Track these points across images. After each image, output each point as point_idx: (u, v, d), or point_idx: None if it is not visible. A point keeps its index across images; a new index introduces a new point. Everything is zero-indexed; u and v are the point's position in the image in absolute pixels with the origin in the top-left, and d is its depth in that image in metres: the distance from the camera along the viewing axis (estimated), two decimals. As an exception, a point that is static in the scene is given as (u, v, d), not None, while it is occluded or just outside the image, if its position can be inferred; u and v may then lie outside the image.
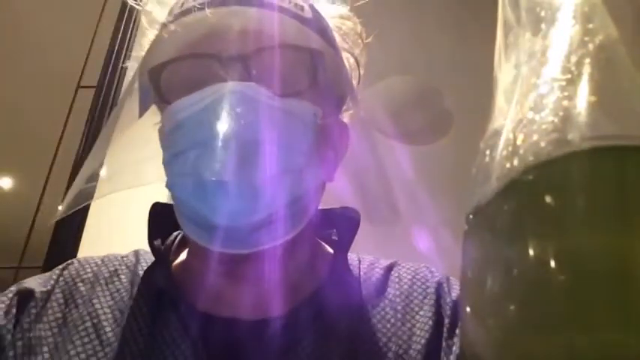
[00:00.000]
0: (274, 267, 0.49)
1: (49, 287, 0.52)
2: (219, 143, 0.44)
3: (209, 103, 0.46)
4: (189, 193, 0.47)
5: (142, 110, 0.54)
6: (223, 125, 0.44)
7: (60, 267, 0.56)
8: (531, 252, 0.16)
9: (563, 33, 0.19)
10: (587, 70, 0.17)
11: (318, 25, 0.52)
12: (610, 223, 0.15)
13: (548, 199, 0.16)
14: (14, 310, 0.49)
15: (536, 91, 0.18)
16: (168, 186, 0.49)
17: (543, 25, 0.20)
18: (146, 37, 0.55)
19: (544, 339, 0.15)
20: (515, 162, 0.17)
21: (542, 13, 0.21)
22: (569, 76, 0.17)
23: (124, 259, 0.57)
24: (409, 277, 0.56)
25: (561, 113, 0.17)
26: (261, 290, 0.51)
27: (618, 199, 0.15)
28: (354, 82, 0.58)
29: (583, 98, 0.17)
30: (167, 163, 0.49)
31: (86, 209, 1.44)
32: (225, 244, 0.46)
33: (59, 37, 2.28)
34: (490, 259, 0.18)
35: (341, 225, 0.59)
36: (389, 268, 0.58)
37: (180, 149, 0.47)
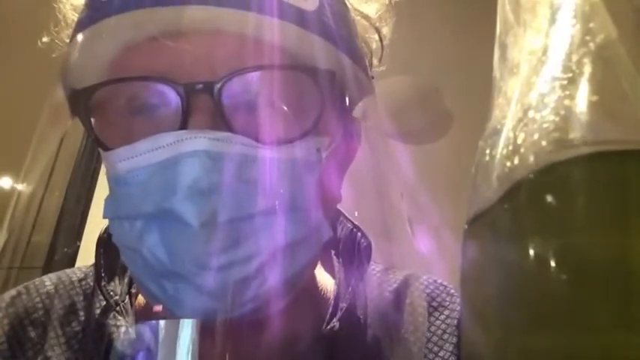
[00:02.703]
0: (266, 324, 0.38)
1: None
2: (177, 223, 0.31)
3: (161, 163, 0.32)
4: (143, 275, 0.35)
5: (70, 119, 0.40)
6: (180, 206, 0.31)
7: (4, 304, 0.45)
8: (532, 251, 0.16)
9: (564, 32, 0.19)
10: (588, 69, 0.17)
11: (325, 18, 0.35)
12: (612, 224, 0.15)
13: (549, 199, 0.16)
14: None
15: (537, 90, 0.18)
16: (117, 244, 0.37)
17: (543, 24, 0.20)
18: (66, 5, 0.40)
19: (545, 339, 0.15)
20: (516, 161, 0.17)
21: (543, 12, 0.21)
22: (570, 74, 0.17)
23: (82, 283, 0.46)
24: (424, 304, 0.46)
25: (562, 112, 0.17)
26: (252, 347, 0.40)
27: (620, 201, 0.15)
28: (373, 47, 0.44)
29: (584, 97, 0.17)
30: (110, 221, 0.37)
31: (86, 209, 1.44)
32: (200, 319, 0.34)
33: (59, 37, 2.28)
34: (491, 258, 0.18)
35: (348, 250, 0.47)
36: (400, 292, 0.47)
37: (124, 214, 0.35)
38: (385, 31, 0.45)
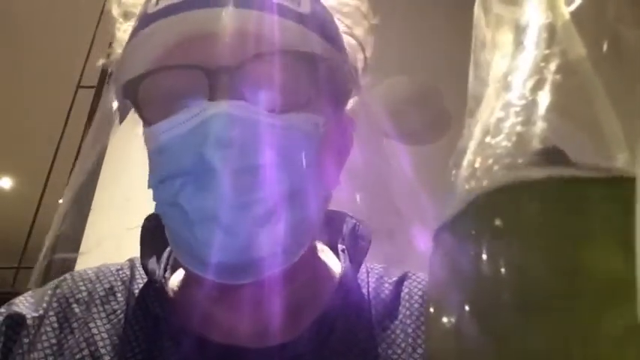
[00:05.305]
0: (274, 291, 0.45)
1: (41, 312, 0.49)
2: (207, 174, 0.40)
3: (194, 127, 0.41)
4: (179, 225, 0.43)
5: (123, 116, 0.48)
6: (210, 153, 0.40)
7: (52, 285, 0.53)
8: (484, 267, 0.17)
9: (523, 58, 0.20)
10: (540, 96, 0.18)
11: (318, 20, 0.45)
12: (554, 247, 0.16)
13: (497, 222, 0.16)
14: (3, 339, 0.46)
15: (496, 115, 0.19)
16: (157, 212, 0.46)
17: (508, 48, 0.21)
18: (120, 31, 0.50)
19: (493, 345, 0.16)
20: (473, 183, 0.18)
21: (510, 35, 0.21)
22: (524, 102, 0.18)
23: (119, 272, 0.54)
24: (420, 293, 0.52)
25: (514, 139, 0.17)
26: (262, 316, 0.47)
27: (561, 224, 0.16)
28: (360, 66, 0.52)
29: (535, 125, 0.17)
30: (153, 188, 0.45)
31: (87, 209, 1.45)
32: (220, 276, 0.42)
33: (59, 37, 2.29)
34: (445, 271, 0.19)
35: (351, 241, 0.54)
36: (399, 283, 0.53)
37: (165, 175, 0.43)
38: (358, 35, 0.52)
